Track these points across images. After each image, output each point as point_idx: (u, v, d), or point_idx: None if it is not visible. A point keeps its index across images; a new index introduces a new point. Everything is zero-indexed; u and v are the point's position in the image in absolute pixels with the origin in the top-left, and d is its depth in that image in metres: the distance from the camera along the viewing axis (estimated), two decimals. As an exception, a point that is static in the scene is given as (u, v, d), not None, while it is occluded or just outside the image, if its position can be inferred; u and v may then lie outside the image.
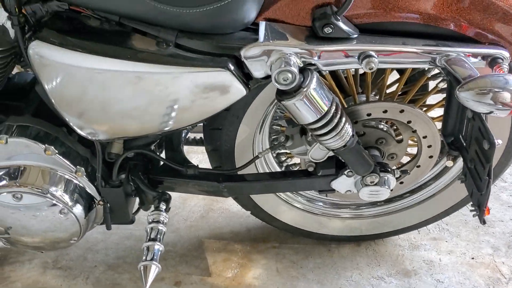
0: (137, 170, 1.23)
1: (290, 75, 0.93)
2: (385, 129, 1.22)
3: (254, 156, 1.26)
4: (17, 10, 0.97)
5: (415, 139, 1.27)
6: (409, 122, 1.19)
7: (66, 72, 0.99)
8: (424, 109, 1.33)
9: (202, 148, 1.38)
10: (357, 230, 1.52)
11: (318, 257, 1.55)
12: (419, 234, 1.60)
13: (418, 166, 1.30)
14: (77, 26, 0.99)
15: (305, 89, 0.96)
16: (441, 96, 1.32)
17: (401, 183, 1.32)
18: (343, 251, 1.56)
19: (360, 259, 1.54)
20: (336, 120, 1.03)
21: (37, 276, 1.47)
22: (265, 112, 1.23)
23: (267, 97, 1.17)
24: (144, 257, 1.17)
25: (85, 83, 0.99)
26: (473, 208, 1.12)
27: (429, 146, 1.25)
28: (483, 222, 1.09)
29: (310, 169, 1.22)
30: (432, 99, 1.33)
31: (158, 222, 1.17)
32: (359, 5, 0.96)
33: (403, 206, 1.48)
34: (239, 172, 1.25)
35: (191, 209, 1.72)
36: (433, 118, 1.29)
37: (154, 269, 1.16)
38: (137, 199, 1.30)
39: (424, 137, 1.23)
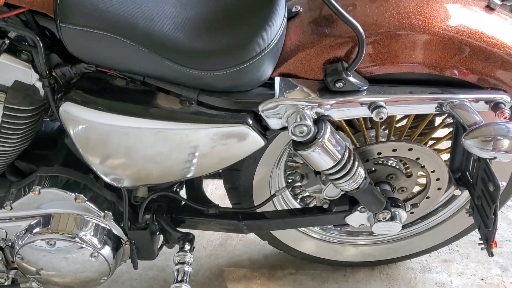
0: (161, 211, 1.30)
1: (305, 128, 1.00)
2: (394, 166, 1.28)
3: (272, 194, 1.32)
4: (47, 72, 1.05)
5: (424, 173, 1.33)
6: (417, 158, 1.26)
7: (94, 129, 1.06)
8: (432, 142, 1.40)
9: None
10: (370, 256, 1.58)
11: (334, 282, 1.61)
12: (430, 257, 1.66)
13: (427, 198, 1.36)
14: (104, 86, 1.06)
15: (320, 140, 1.03)
16: (448, 130, 1.38)
17: (412, 213, 1.38)
18: (358, 275, 1.63)
19: (374, 283, 1.60)
20: (349, 166, 1.09)
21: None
22: (281, 151, 1.29)
23: (283, 139, 1.24)
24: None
25: (113, 139, 1.06)
26: (481, 242, 1.18)
27: (437, 179, 1.31)
28: (491, 255, 1.15)
29: (325, 206, 1.29)
30: (440, 132, 1.39)
31: (184, 263, 1.24)
32: (368, 59, 1.02)
33: (415, 232, 1.54)
34: (258, 210, 1.32)
35: (209, 238, 1.79)
36: (441, 150, 1.36)
37: None
38: (161, 236, 1.38)
39: (433, 171, 1.29)
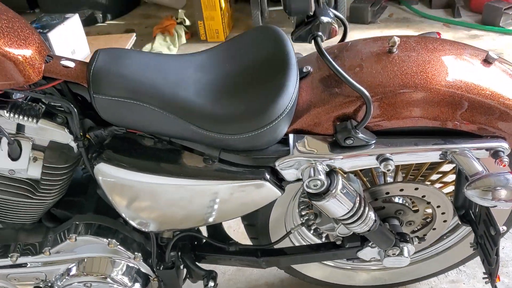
0: (185, 249, 1.40)
1: (319, 182, 1.10)
2: (402, 203, 1.37)
3: (287, 231, 1.42)
4: (81, 134, 1.15)
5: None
6: (423, 196, 1.34)
7: (125, 185, 1.16)
8: (438, 175, 1.48)
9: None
10: (381, 280, 1.67)
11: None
12: (438, 279, 1.75)
13: (434, 229, 1.45)
14: (134, 145, 1.16)
15: (333, 192, 1.12)
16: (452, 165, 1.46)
17: (420, 243, 1.47)
18: (372, 298, 1.72)
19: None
20: (360, 212, 1.18)
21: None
22: (296, 192, 1.39)
23: (297, 184, 1.33)
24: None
25: (142, 193, 1.17)
26: (485, 276, 1.27)
27: (443, 213, 1.40)
28: (495, 288, 1.24)
29: (338, 242, 1.38)
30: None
31: (210, 301, 1.35)
32: (375, 116, 1.11)
33: (423, 257, 1.63)
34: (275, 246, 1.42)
35: (228, 263, 1.89)
36: (447, 183, 1.45)
37: None
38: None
39: (438, 206, 1.37)
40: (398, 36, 1.16)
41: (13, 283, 1.39)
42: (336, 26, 1.10)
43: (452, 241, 1.59)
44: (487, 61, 1.17)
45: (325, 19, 1.06)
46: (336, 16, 1.15)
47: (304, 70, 1.19)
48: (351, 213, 1.17)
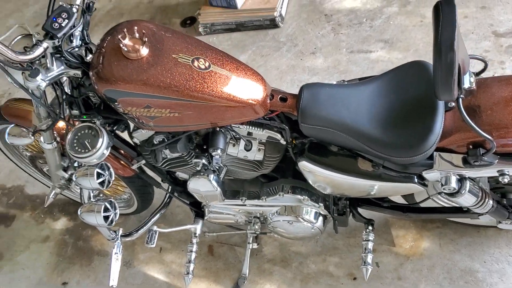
0: (353, 202, 2.05)
1: (452, 187, 1.62)
2: None
3: (428, 196, 1.95)
4: (291, 140, 1.77)
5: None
6: (537, 184, 1.78)
7: (319, 175, 1.79)
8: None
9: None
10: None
11: (470, 236, 2.26)
12: None
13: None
14: (324, 149, 1.75)
15: (463, 192, 1.64)
16: None
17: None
18: (489, 232, 2.25)
19: (501, 240, 2.22)
20: (481, 203, 1.70)
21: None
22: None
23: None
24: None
25: (329, 181, 1.80)
26: None
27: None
28: None
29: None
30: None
31: (368, 240, 2.02)
32: (498, 146, 1.53)
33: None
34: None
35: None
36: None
37: None
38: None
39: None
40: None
41: (240, 214, 2.18)
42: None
43: None
44: None
45: (466, 85, 1.47)
46: (476, 58, 1.55)
47: (449, 105, 1.62)
48: (474, 205, 1.69)
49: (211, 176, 1.86)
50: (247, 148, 1.84)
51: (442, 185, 1.63)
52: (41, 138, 1.92)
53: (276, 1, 3.48)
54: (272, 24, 3.51)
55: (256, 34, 3.56)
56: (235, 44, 3.56)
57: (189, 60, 1.54)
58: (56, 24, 1.47)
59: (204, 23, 3.64)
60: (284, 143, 1.79)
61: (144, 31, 1.51)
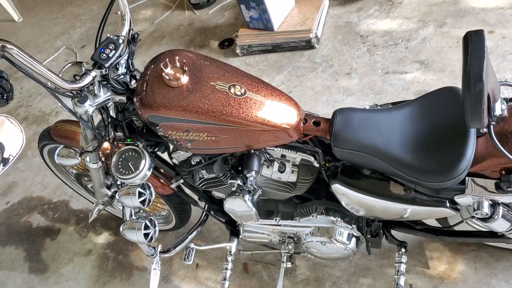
0: (386, 223, 2.07)
1: (485, 213, 1.62)
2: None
3: (460, 220, 1.97)
4: (324, 163, 1.82)
5: None
6: None
7: (351, 198, 1.82)
8: None
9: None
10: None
11: (507, 261, 2.24)
12: None
13: None
14: (357, 173, 1.80)
15: (495, 218, 1.64)
16: None
17: None
18: (526, 256, 2.23)
19: (538, 263, 2.19)
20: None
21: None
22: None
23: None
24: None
25: (362, 203, 1.83)
26: None
27: None
28: None
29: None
30: None
31: (400, 263, 2.03)
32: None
33: None
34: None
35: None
36: None
37: None
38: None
39: None
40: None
41: (274, 234, 2.23)
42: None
43: None
44: None
45: (497, 112, 1.49)
46: (507, 84, 1.57)
47: (481, 131, 1.63)
48: (508, 230, 1.69)
49: (246, 197, 1.92)
50: (281, 170, 1.90)
51: (474, 209, 1.64)
52: (87, 158, 2.04)
53: (312, 23, 3.56)
54: (308, 45, 3.59)
55: (292, 55, 3.64)
56: (271, 65, 3.65)
57: (226, 87, 1.62)
58: (104, 55, 1.59)
59: (241, 44, 3.75)
60: (318, 165, 1.84)
61: (184, 60, 1.60)
